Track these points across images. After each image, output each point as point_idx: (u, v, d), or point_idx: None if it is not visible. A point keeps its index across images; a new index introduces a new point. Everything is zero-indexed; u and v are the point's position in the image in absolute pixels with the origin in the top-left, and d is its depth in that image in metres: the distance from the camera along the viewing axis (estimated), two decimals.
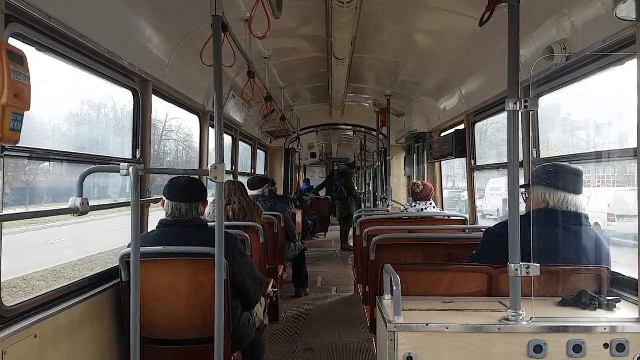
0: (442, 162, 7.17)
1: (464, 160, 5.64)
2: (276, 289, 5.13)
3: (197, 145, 5.18)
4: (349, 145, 18.42)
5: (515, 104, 2.13)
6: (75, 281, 2.76)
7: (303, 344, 5.07)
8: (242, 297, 3.26)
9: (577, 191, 2.66)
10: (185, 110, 4.67)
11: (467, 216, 5.26)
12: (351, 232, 9.79)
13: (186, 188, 3.18)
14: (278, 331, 5.39)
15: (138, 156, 3.50)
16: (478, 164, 5.46)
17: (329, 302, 6.84)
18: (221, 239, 2.73)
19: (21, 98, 1.79)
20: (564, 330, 2.06)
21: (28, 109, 1.84)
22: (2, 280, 2.11)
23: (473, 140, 5.41)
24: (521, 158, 3.57)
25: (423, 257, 3.63)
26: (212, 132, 5.03)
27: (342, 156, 21.23)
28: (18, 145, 1.99)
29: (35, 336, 2.21)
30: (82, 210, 2.21)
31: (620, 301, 2.31)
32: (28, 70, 1.84)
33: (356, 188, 14.48)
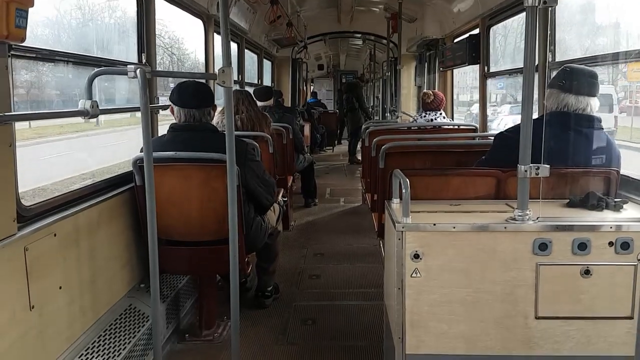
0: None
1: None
2: (286, 199, 5.23)
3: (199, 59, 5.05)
4: (358, 57, 17.92)
5: None
6: (91, 184, 2.82)
7: (313, 249, 5.26)
8: (255, 202, 3.32)
9: (592, 93, 2.60)
10: (189, 13, 4.51)
11: (478, 125, 5.22)
12: (359, 146, 9.82)
13: (197, 93, 3.12)
14: (288, 238, 5.57)
15: (144, 60, 3.43)
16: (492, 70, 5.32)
17: (337, 211, 7.00)
18: (232, 145, 2.73)
19: None
20: (570, 229, 2.09)
21: (32, 4, 1.78)
22: None
23: (487, 45, 5.23)
24: (537, 62, 3.47)
25: (432, 165, 3.64)
26: (217, 39, 4.90)
27: (351, 68, 20.73)
28: (24, 44, 1.95)
29: (55, 235, 2.29)
30: (92, 113, 2.21)
31: (627, 202, 2.32)
32: None
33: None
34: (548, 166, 2.09)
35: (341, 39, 12.86)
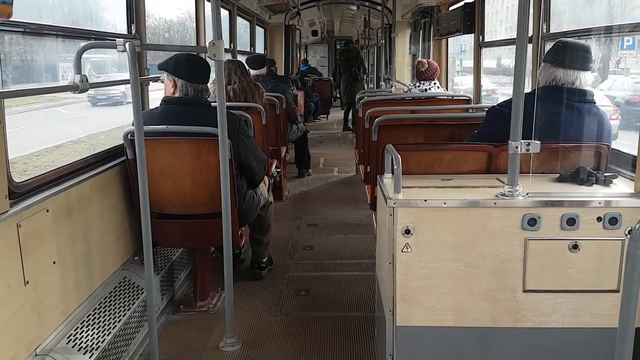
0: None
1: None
2: (279, 169, 5.23)
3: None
4: (352, 22, 17.59)
5: None
6: (82, 158, 2.81)
7: (306, 220, 5.29)
8: (247, 176, 3.33)
9: (585, 68, 2.59)
10: None
11: (471, 96, 5.19)
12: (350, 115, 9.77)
13: (207, 69, 3.11)
14: (282, 208, 5.59)
15: (133, 31, 3.36)
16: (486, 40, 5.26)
17: (331, 182, 7.02)
18: (223, 118, 2.72)
19: None
20: (559, 204, 2.11)
21: None
22: None
23: (482, 13, 5.15)
24: (530, 33, 3.43)
25: (425, 138, 3.64)
26: (208, 7, 4.80)
27: (345, 34, 20.40)
28: (11, 19, 1.91)
29: (47, 210, 2.29)
30: (81, 88, 2.18)
31: (617, 177, 2.34)
32: None
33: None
34: (539, 142, 2.09)
35: (335, 5, 12.64)
